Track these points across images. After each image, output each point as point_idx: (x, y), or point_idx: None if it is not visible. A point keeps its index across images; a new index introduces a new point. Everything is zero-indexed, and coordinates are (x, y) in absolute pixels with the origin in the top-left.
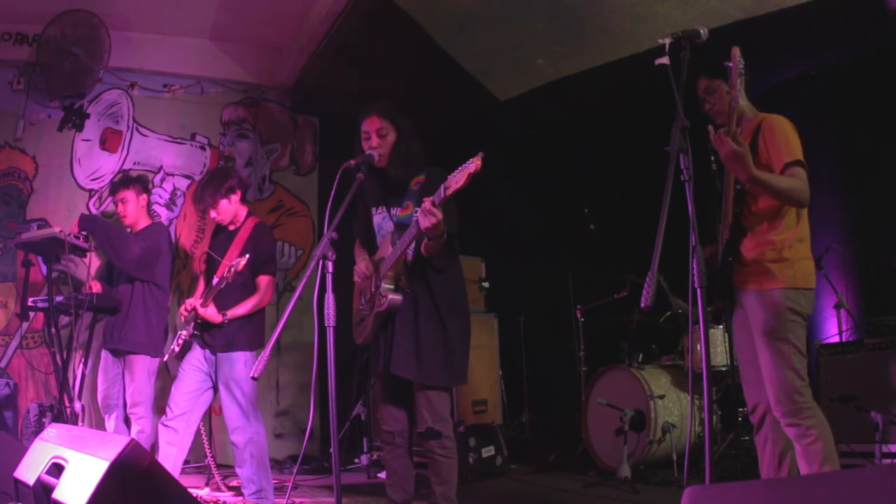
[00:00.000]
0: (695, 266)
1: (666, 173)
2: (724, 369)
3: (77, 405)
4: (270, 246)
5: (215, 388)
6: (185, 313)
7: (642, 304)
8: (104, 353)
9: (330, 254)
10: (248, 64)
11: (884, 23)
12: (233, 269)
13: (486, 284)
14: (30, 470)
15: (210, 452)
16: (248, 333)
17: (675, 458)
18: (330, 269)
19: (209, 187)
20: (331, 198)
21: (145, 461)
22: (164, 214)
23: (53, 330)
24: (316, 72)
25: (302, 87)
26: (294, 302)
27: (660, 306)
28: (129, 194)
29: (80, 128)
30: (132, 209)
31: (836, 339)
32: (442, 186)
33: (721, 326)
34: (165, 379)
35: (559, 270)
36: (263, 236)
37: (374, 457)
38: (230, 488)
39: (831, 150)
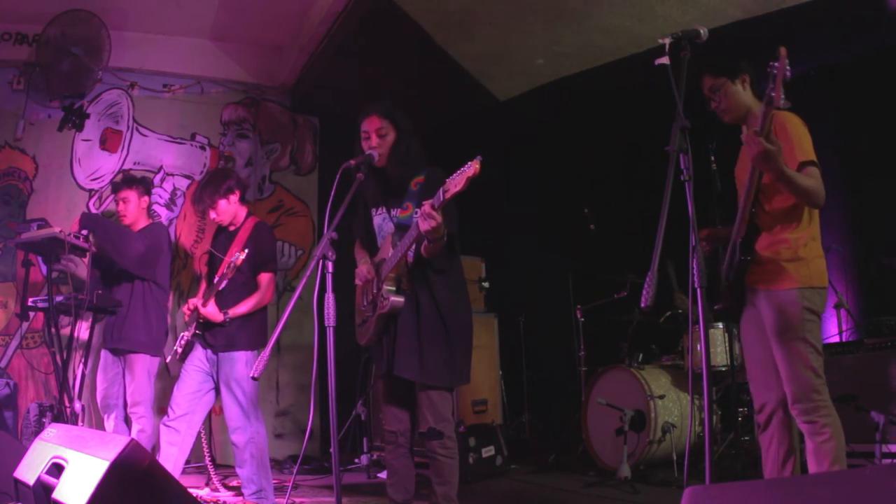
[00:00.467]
0: (695, 266)
1: (666, 173)
2: (724, 369)
3: (77, 405)
4: (271, 244)
5: (217, 390)
6: (189, 312)
7: (642, 304)
8: (104, 353)
9: (330, 254)
10: (248, 64)
11: (884, 23)
12: (233, 265)
13: (486, 284)
14: (30, 470)
15: (208, 453)
16: (248, 333)
17: (675, 458)
18: (330, 269)
19: (208, 188)
20: (331, 198)
21: (145, 461)
22: (164, 214)
23: (53, 330)
24: (316, 72)
25: (302, 87)
26: (294, 302)
27: (660, 306)
28: (131, 194)
29: (80, 128)
30: (133, 209)
31: (836, 339)
32: (441, 190)
33: (721, 326)
34: (166, 379)
35: (559, 270)
36: (263, 235)
37: (375, 457)
38: (230, 488)
39: (831, 150)
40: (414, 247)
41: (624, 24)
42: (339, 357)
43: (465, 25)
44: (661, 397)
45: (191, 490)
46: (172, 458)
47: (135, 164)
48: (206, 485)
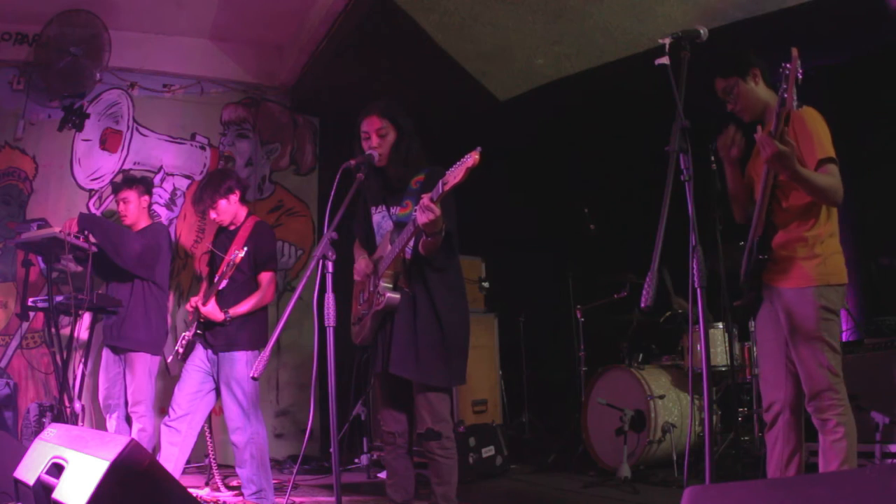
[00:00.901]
0: (695, 266)
1: (666, 173)
2: (724, 369)
3: (77, 405)
4: (271, 243)
5: (218, 390)
6: (191, 310)
7: (642, 304)
8: (105, 353)
9: (330, 254)
10: (248, 64)
11: (884, 23)
12: (232, 263)
13: (486, 284)
14: (30, 470)
15: (212, 452)
16: (249, 333)
17: (675, 458)
18: (330, 269)
19: (208, 188)
20: (331, 198)
21: (145, 461)
22: (164, 214)
23: (53, 330)
24: (316, 72)
25: (302, 87)
26: (294, 302)
27: (660, 306)
28: (131, 194)
29: (80, 128)
30: (133, 209)
31: None
32: (440, 182)
33: (721, 326)
34: (167, 379)
35: (559, 270)
36: (263, 234)
37: (374, 457)
38: (230, 488)
39: None
40: (412, 244)
41: (624, 24)
42: (339, 357)
43: (465, 25)
44: (661, 397)
45: (191, 490)
46: (173, 458)
47: (135, 164)
48: (207, 485)
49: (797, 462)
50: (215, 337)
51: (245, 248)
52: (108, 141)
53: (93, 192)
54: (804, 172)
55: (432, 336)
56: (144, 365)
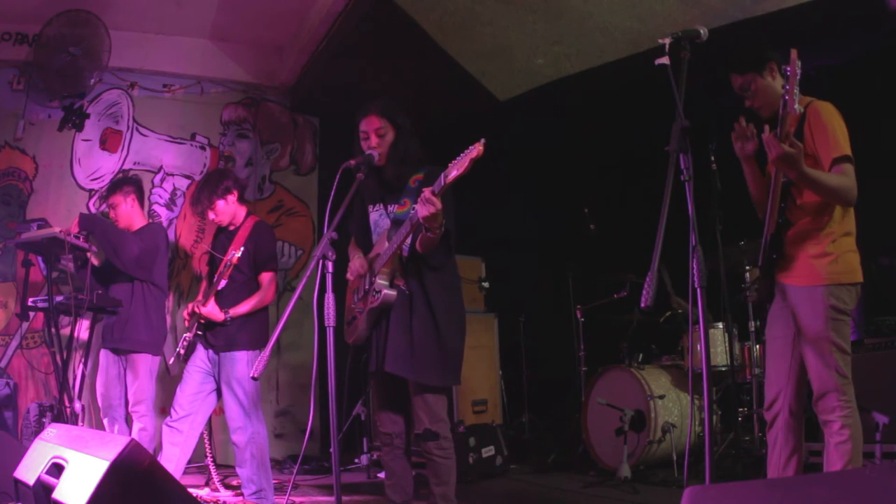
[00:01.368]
0: (695, 266)
1: (666, 173)
2: (724, 369)
3: (77, 405)
4: (271, 243)
5: (219, 390)
6: (187, 317)
7: (642, 304)
8: (103, 354)
9: (330, 254)
10: (248, 64)
11: (884, 23)
12: (228, 263)
13: (486, 284)
14: (30, 470)
15: (210, 453)
16: (249, 333)
17: (675, 458)
18: (330, 269)
19: (205, 189)
20: (331, 198)
21: (145, 461)
22: (164, 214)
23: (53, 330)
24: (316, 72)
25: (302, 87)
26: (294, 302)
27: (660, 306)
28: (117, 198)
29: (80, 128)
30: (123, 212)
31: None
32: (442, 175)
33: (721, 326)
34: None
35: (559, 270)
36: (263, 234)
37: (374, 457)
38: (230, 488)
39: None
40: (409, 241)
41: (624, 24)
42: (339, 357)
43: (465, 25)
44: (661, 397)
45: (191, 490)
46: (174, 458)
47: (135, 164)
48: (206, 484)
49: (796, 462)
50: (216, 337)
51: (242, 249)
52: (108, 141)
53: (93, 192)
54: (812, 174)
55: (428, 335)
56: (146, 365)
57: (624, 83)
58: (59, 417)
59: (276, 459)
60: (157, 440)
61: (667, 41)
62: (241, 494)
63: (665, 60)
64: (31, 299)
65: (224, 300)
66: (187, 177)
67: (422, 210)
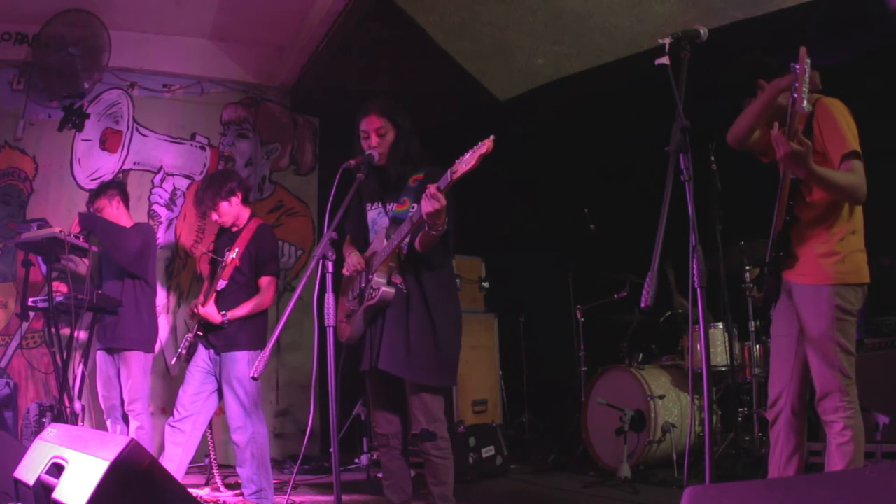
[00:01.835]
0: (695, 266)
1: (666, 173)
2: (724, 369)
3: (77, 405)
4: (272, 247)
5: (220, 390)
6: (189, 314)
7: (642, 304)
8: (99, 356)
9: (330, 254)
10: (248, 64)
11: (884, 23)
12: (223, 265)
13: (486, 284)
14: (30, 470)
15: (213, 453)
16: (248, 333)
17: (675, 458)
18: (330, 269)
19: (209, 190)
20: (331, 198)
21: (145, 461)
22: (164, 214)
23: (53, 330)
24: (316, 72)
25: (302, 87)
26: (294, 302)
27: (660, 306)
28: (102, 202)
29: (80, 128)
30: (109, 215)
31: None
32: (448, 171)
33: (721, 326)
34: (166, 379)
35: (559, 270)
36: (264, 237)
37: (374, 456)
38: (230, 487)
39: None
40: (408, 240)
41: (624, 24)
42: (339, 357)
43: (465, 25)
44: (661, 397)
45: (191, 490)
46: (176, 458)
47: (135, 164)
48: (207, 484)
49: (797, 461)
50: (216, 337)
51: (236, 250)
52: (108, 141)
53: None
54: (821, 171)
55: (424, 334)
56: (139, 363)
57: (624, 83)
58: (59, 417)
59: (276, 459)
60: (157, 438)
61: (667, 41)
62: (242, 494)
63: (665, 60)
64: (31, 299)
65: (224, 301)
66: (187, 177)
67: (426, 206)
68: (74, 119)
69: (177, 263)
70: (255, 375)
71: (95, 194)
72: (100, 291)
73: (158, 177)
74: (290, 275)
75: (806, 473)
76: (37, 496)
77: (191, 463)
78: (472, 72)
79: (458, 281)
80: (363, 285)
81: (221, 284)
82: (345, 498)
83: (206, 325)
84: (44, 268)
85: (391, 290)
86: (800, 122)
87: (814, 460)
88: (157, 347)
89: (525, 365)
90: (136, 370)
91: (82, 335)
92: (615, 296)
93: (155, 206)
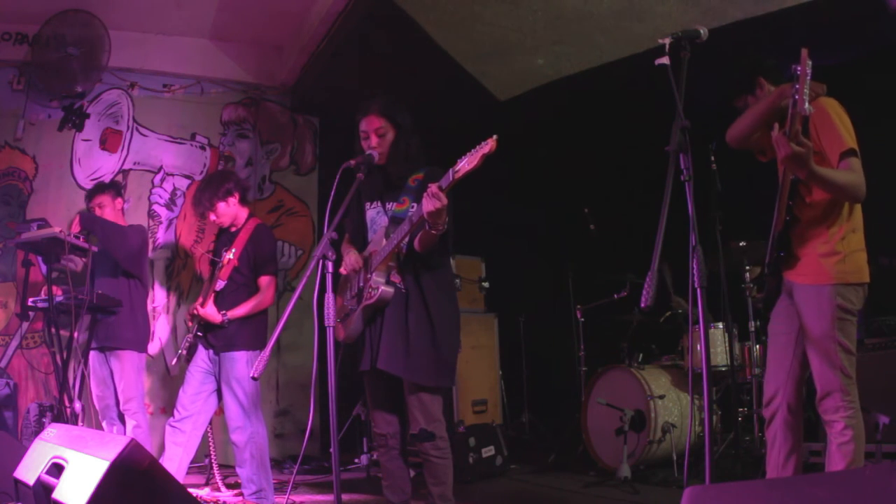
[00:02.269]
0: (695, 266)
1: (666, 173)
2: (724, 369)
3: (77, 405)
4: (271, 247)
5: (220, 390)
6: (189, 316)
7: (642, 304)
8: (92, 356)
9: (330, 254)
10: (248, 64)
11: (884, 23)
12: (220, 265)
13: (486, 284)
14: (30, 470)
15: (213, 453)
16: (248, 333)
17: (675, 458)
18: (330, 269)
19: (207, 191)
20: (331, 198)
21: (145, 461)
22: (164, 214)
23: (53, 330)
24: (316, 72)
25: (302, 87)
26: (294, 302)
27: (660, 306)
28: (104, 199)
29: (80, 128)
30: (109, 213)
31: None
32: (450, 171)
33: (721, 326)
34: (165, 379)
35: (559, 270)
36: (263, 237)
37: (374, 456)
38: (230, 487)
39: None
40: (407, 240)
41: (624, 24)
42: (339, 357)
43: (465, 25)
44: (661, 397)
45: (191, 490)
46: (177, 458)
47: (135, 164)
48: (207, 484)
49: (795, 461)
50: (216, 337)
51: (233, 250)
52: (108, 141)
53: None
54: (821, 172)
55: (424, 334)
56: (133, 363)
57: (624, 83)
58: (59, 417)
59: (276, 459)
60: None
61: (667, 41)
62: (242, 494)
63: (665, 60)
64: (31, 299)
65: (223, 301)
66: (187, 177)
67: (427, 205)
68: (74, 119)
69: (177, 263)
70: (255, 375)
71: (97, 190)
72: (100, 292)
73: (158, 177)
74: (290, 275)
75: (805, 473)
76: (37, 496)
77: (191, 463)
78: (472, 72)
79: (458, 281)
80: (361, 284)
81: (220, 285)
82: (345, 498)
83: (205, 326)
84: (44, 268)
85: (390, 290)
86: (800, 123)
87: (814, 460)
88: (157, 348)
89: (525, 365)
90: (130, 369)
91: (82, 335)
92: (615, 296)
93: (155, 206)
